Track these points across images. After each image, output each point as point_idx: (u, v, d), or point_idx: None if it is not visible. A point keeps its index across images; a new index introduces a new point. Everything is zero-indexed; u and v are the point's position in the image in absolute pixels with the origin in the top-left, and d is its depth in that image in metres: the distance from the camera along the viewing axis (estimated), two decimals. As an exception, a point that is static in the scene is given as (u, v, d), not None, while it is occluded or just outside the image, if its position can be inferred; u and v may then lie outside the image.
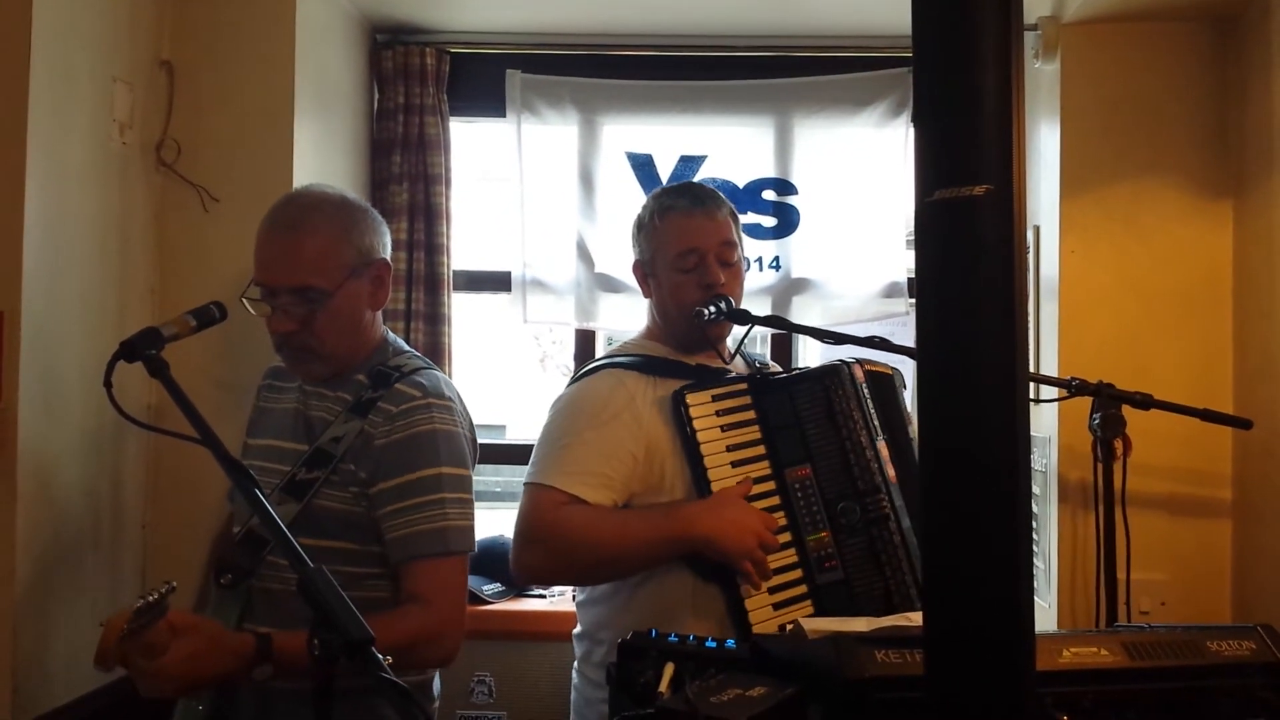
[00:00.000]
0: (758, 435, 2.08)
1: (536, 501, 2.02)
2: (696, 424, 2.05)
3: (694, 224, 2.17)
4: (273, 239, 1.97)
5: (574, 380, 2.25)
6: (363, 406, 1.97)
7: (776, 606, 1.99)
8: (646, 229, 2.24)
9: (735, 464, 2.06)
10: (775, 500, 2.05)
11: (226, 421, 2.12)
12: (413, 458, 1.93)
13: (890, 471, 2.05)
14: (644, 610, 2.05)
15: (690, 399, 2.07)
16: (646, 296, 2.28)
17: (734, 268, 2.20)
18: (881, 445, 2.06)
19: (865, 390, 2.10)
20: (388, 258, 2.08)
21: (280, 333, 1.96)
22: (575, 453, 2.05)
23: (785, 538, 2.02)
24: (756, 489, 2.05)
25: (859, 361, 2.15)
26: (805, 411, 2.08)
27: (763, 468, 2.07)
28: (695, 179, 3.28)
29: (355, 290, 2.00)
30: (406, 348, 2.14)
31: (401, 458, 1.93)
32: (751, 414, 2.09)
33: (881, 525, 2.01)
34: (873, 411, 2.08)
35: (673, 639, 1.46)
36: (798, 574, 2.01)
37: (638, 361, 2.19)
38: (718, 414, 2.08)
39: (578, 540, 1.99)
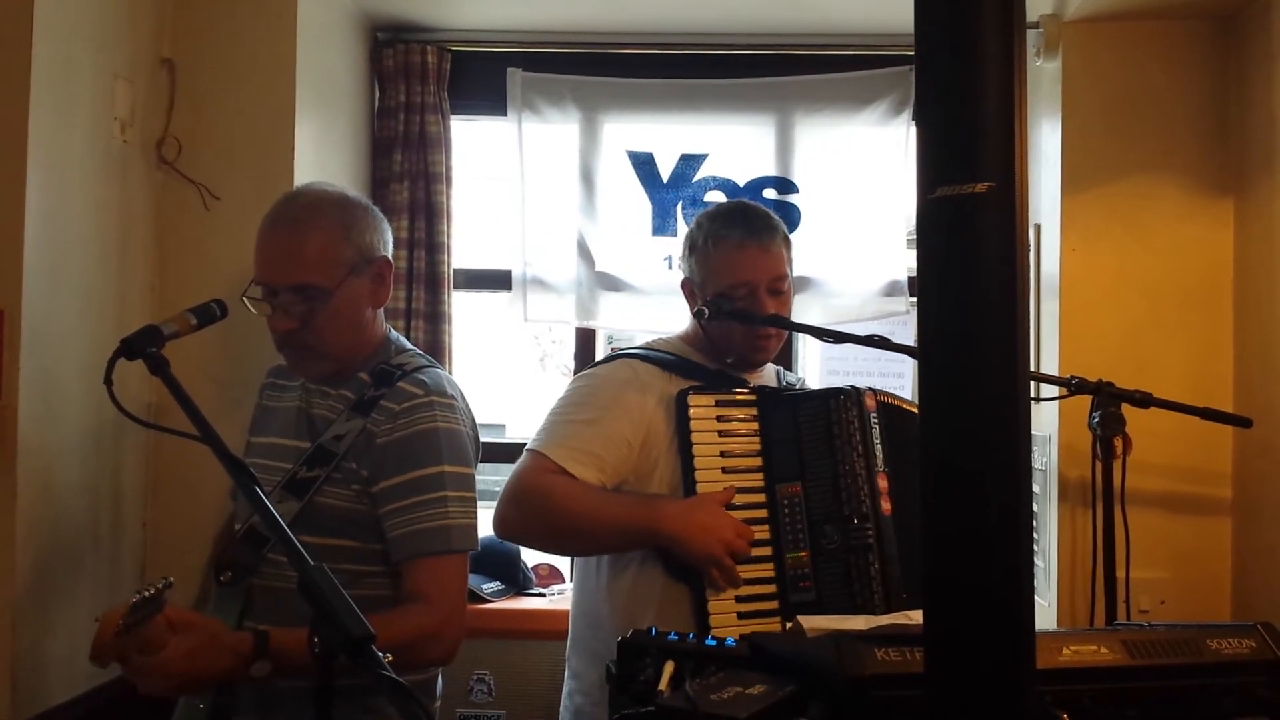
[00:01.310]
0: (757, 446, 2.10)
1: (527, 465, 2.09)
2: (694, 425, 2.08)
3: (748, 257, 2.16)
4: (272, 238, 1.97)
5: (594, 365, 2.30)
6: (365, 405, 1.97)
7: (742, 616, 1.99)
8: (699, 253, 2.22)
9: (726, 470, 2.07)
10: (763, 513, 2.06)
11: (226, 420, 2.12)
12: (415, 456, 1.93)
13: (885, 505, 2.04)
14: (615, 601, 2.12)
15: (693, 400, 2.09)
16: (693, 313, 2.26)
17: (783, 296, 2.21)
18: (880, 477, 2.06)
19: (874, 419, 2.09)
20: (389, 255, 2.09)
21: (281, 331, 1.97)
22: (574, 429, 2.11)
23: (766, 551, 2.03)
24: (747, 499, 2.06)
25: (875, 391, 2.14)
26: (805, 429, 2.09)
27: (755, 479, 2.08)
28: (696, 178, 3.30)
29: (355, 288, 2.00)
30: (409, 345, 2.14)
31: (404, 456, 1.93)
32: (755, 425, 2.11)
33: (859, 555, 2.00)
34: (877, 442, 2.08)
35: (672, 637, 1.46)
36: (772, 589, 2.02)
37: (660, 358, 2.22)
38: (718, 419, 2.10)
39: (554, 506, 2.04)
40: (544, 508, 2.06)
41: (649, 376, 2.16)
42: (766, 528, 2.04)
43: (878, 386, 2.17)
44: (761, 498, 2.06)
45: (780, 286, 2.19)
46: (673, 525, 2.00)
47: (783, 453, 2.08)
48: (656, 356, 2.22)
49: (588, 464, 2.06)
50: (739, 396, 2.13)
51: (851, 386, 2.13)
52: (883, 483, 2.06)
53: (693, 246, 2.25)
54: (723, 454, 2.08)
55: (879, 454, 2.07)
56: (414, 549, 1.91)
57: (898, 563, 2.01)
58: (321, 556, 1.43)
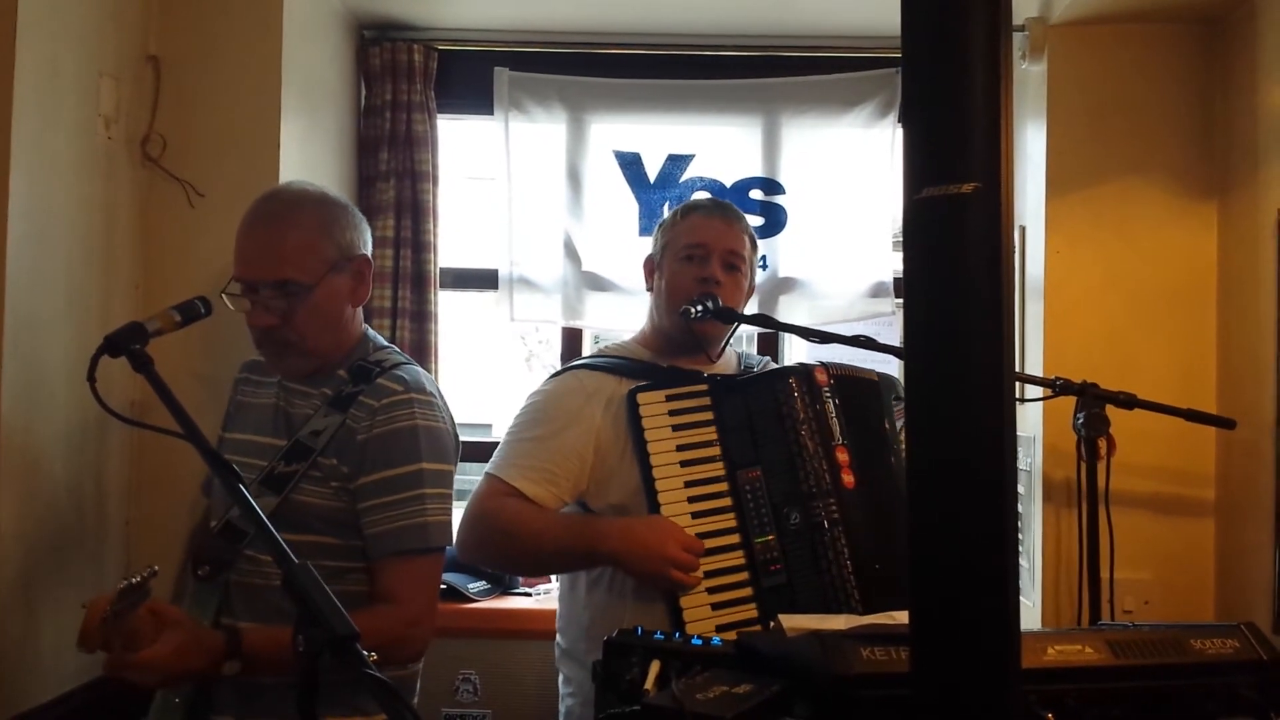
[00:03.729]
0: (714, 436, 2.11)
1: (482, 489, 2.13)
2: (646, 423, 2.09)
3: (709, 224, 2.25)
4: (253, 234, 1.98)
5: (545, 381, 2.31)
6: (344, 401, 1.98)
7: (715, 607, 2.01)
8: (665, 226, 2.33)
9: (685, 464, 2.08)
10: (727, 501, 2.07)
11: (207, 416, 2.11)
12: (395, 453, 1.94)
13: (847, 478, 2.06)
14: (593, 607, 2.14)
15: (642, 398, 2.11)
16: (648, 290, 2.34)
17: (735, 275, 2.24)
18: (839, 451, 2.08)
19: (827, 394, 2.11)
20: (369, 255, 2.10)
21: (260, 328, 1.97)
22: (525, 448, 2.14)
23: (734, 539, 2.05)
24: (711, 489, 2.07)
25: (825, 365, 2.17)
26: (757, 413, 2.11)
27: (716, 469, 2.09)
28: (683, 178, 3.30)
29: (336, 285, 2.00)
30: (385, 343, 2.15)
31: (384, 452, 1.94)
32: (710, 415, 2.12)
33: (822, 531, 2.02)
34: (834, 416, 2.10)
35: (658, 636, 1.46)
36: (744, 576, 2.03)
37: (610, 363, 2.25)
38: (671, 414, 2.11)
39: (503, 530, 2.08)
40: (494, 532, 2.09)
41: (597, 384, 2.19)
42: (733, 516, 2.06)
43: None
44: (724, 486, 2.07)
45: (736, 262, 2.24)
46: (612, 545, 2.02)
47: (739, 439, 2.10)
48: (605, 363, 2.25)
49: (540, 481, 2.09)
50: (690, 388, 2.14)
51: (801, 364, 2.18)
52: (842, 456, 2.08)
53: (662, 224, 2.36)
54: (679, 448, 2.08)
55: (836, 428, 2.10)
56: (391, 547, 1.92)
57: (868, 534, 2.03)
58: (301, 554, 1.43)
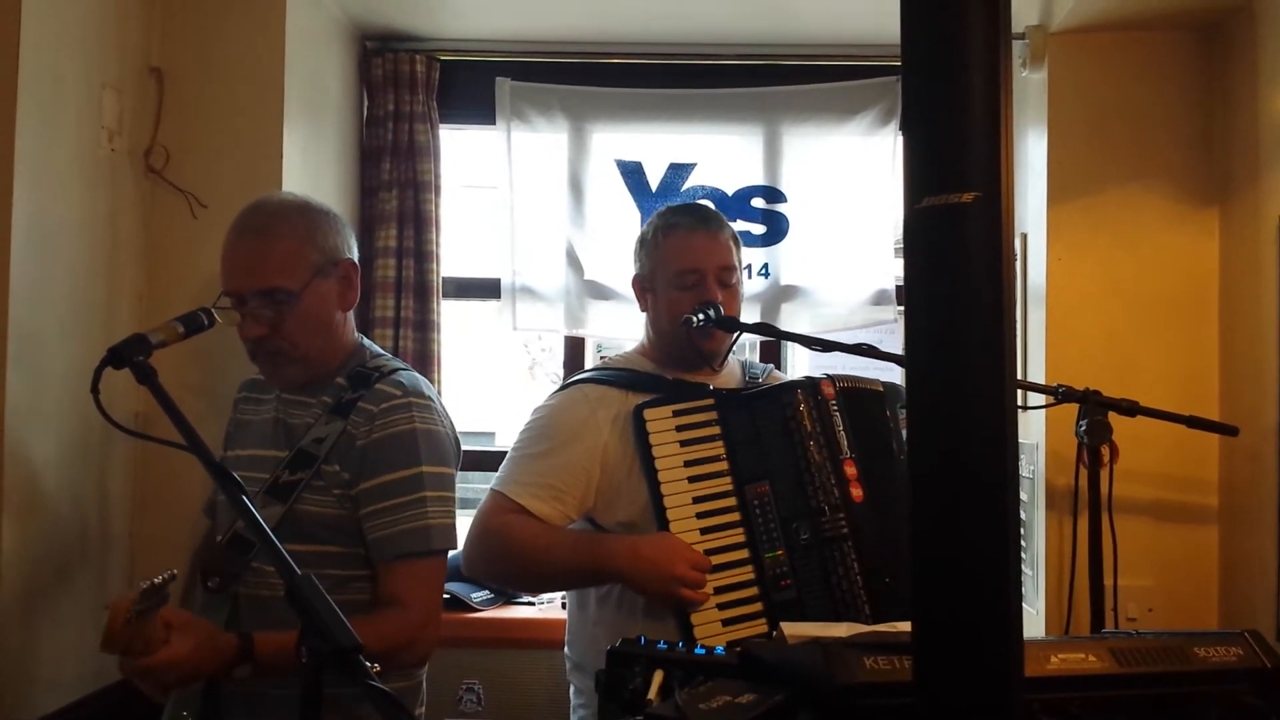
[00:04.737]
0: (721, 451, 2.09)
1: (488, 505, 2.12)
2: (653, 439, 2.07)
3: (696, 244, 2.21)
4: (238, 247, 2.00)
5: (550, 395, 2.30)
6: (344, 407, 1.98)
7: (726, 623, 1.99)
8: (649, 245, 2.28)
9: (692, 479, 2.06)
10: (736, 516, 2.05)
11: (205, 429, 2.11)
12: (395, 457, 1.95)
13: (856, 491, 2.05)
14: (604, 623, 2.12)
15: (649, 414, 2.08)
16: (643, 310, 2.31)
17: (732, 289, 2.23)
18: (847, 464, 2.07)
19: (834, 406, 2.10)
20: (355, 258, 2.10)
21: (251, 339, 1.98)
22: (530, 464, 2.12)
23: (743, 554, 2.03)
24: (718, 504, 2.06)
25: (831, 377, 2.15)
26: (764, 427, 2.09)
27: (724, 484, 2.07)
28: (685, 187, 3.31)
29: (323, 290, 2.01)
30: (381, 351, 2.16)
31: (384, 457, 1.94)
32: (716, 429, 2.10)
33: (832, 546, 2.01)
34: (841, 429, 2.09)
35: (662, 646, 1.45)
36: (754, 591, 2.02)
37: (615, 376, 2.23)
38: (678, 429, 2.09)
39: (509, 549, 2.07)
40: (501, 549, 2.08)
41: (603, 399, 2.17)
42: (741, 532, 2.04)
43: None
44: (733, 502, 2.06)
45: (728, 279, 2.21)
46: (619, 564, 2.01)
47: (746, 454, 2.08)
48: (610, 376, 2.24)
49: (545, 497, 2.08)
50: (697, 403, 2.12)
51: (807, 377, 2.16)
52: (850, 469, 2.07)
53: (643, 241, 2.30)
54: (687, 464, 2.06)
55: (843, 441, 2.08)
56: (394, 550, 1.92)
57: (878, 547, 2.02)
58: (306, 563, 1.43)
